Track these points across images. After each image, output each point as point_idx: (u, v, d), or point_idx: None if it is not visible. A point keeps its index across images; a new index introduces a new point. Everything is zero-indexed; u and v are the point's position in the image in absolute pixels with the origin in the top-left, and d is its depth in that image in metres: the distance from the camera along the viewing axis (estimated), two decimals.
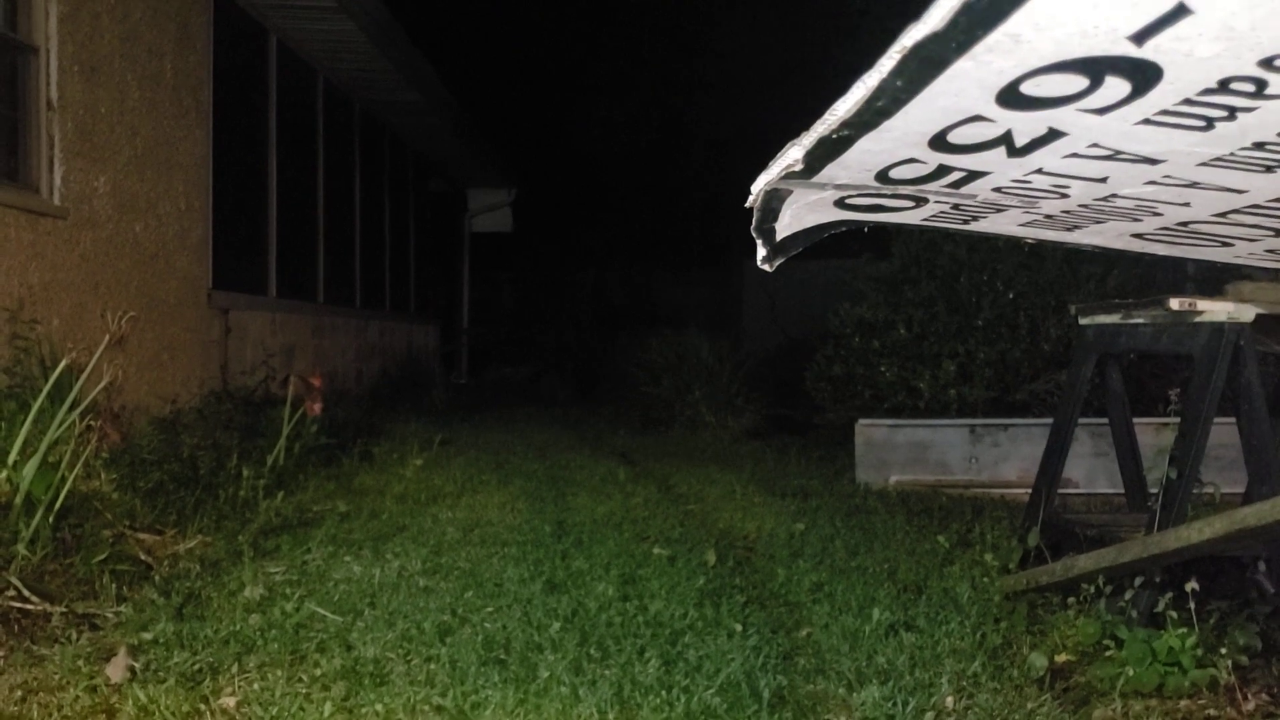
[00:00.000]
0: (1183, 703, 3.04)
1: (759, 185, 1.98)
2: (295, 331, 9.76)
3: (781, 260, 2.25)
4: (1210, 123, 1.65)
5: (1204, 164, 1.87)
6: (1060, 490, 4.90)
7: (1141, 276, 7.07)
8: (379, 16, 9.60)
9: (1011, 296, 7.71)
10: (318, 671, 3.06)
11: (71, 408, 4.20)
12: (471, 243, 17.98)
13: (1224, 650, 3.10)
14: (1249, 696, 3.04)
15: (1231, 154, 1.80)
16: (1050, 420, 4.94)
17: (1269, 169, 1.85)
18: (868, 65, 1.53)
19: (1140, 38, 1.37)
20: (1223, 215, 2.25)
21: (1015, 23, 1.33)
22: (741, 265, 15.79)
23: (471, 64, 19.34)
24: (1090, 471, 6.48)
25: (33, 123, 5.84)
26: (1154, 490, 4.01)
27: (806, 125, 1.80)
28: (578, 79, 21.46)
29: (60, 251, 5.88)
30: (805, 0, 16.50)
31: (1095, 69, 1.48)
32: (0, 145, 5.70)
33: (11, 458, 3.97)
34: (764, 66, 17.96)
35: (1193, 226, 2.41)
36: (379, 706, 2.83)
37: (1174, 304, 3.73)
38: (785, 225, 2.17)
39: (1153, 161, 1.88)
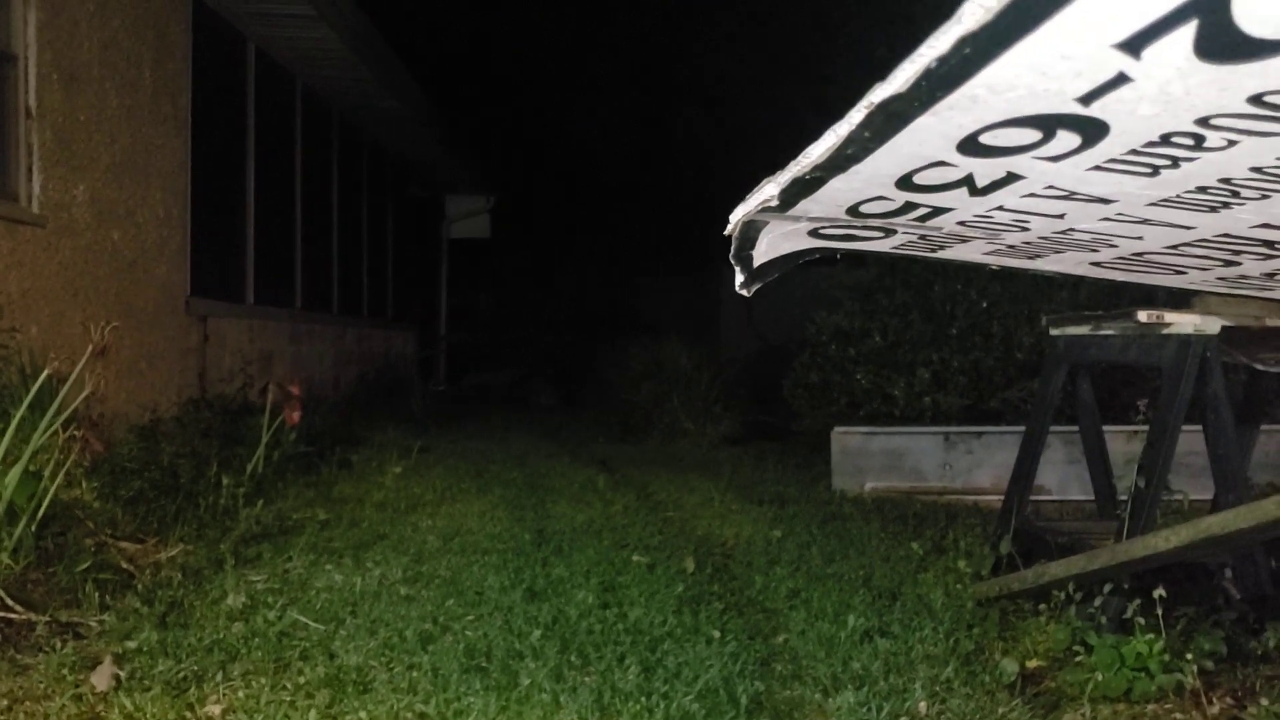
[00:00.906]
0: (1150, 707, 3.11)
1: (737, 216, 2.06)
2: (273, 338, 9.76)
3: (759, 285, 2.33)
4: (1156, 170, 1.76)
5: (1153, 204, 1.97)
6: (1033, 497, 4.98)
7: (1114, 288, 7.16)
8: (358, 25, 9.62)
9: (985, 305, 7.80)
10: (301, 680, 3.09)
11: (54, 417, 4.21)
12: (450, 249, 17.98)
13: (1190, 656, 3.17)
14: (1214, 700, 3.11)
15: (1178, 196, 1.91)
16: (1023, 428, 5.02)
17: (1213, 209, 1.96)
18: (846, 77, 1.63)
19: (1087, 100, 1.47)
20: (1174, 248, 2.36)
21: (972, 86, 1.43)
22: (720, 273, 15.78)
23: (451, 71, 19.35)
24: (1063, 479, 6.57)
25: (11, 131, 5.84)
26: (1124, 498, 4.09)
27: (786, 134, 1.88)
28: (558, 87, 21.51)
29: (39, 260, 5.88)
30: (786, 10, 16.62)
31: (1047, 124, 1.58)
32: None
33: None
34: (745, 75, 18.06)
35: (1147, 257, 2.50)
36: (363, 714, 2.87)
37: (1142, 316, 3.82)
38: (762, 252, 2.26)
39: (1105, 201, 1.98)
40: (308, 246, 11.02)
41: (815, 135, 1.73)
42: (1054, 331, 4.56)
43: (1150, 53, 1.29)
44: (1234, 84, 1.36)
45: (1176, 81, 1.37)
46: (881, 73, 1.47)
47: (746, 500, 6.54)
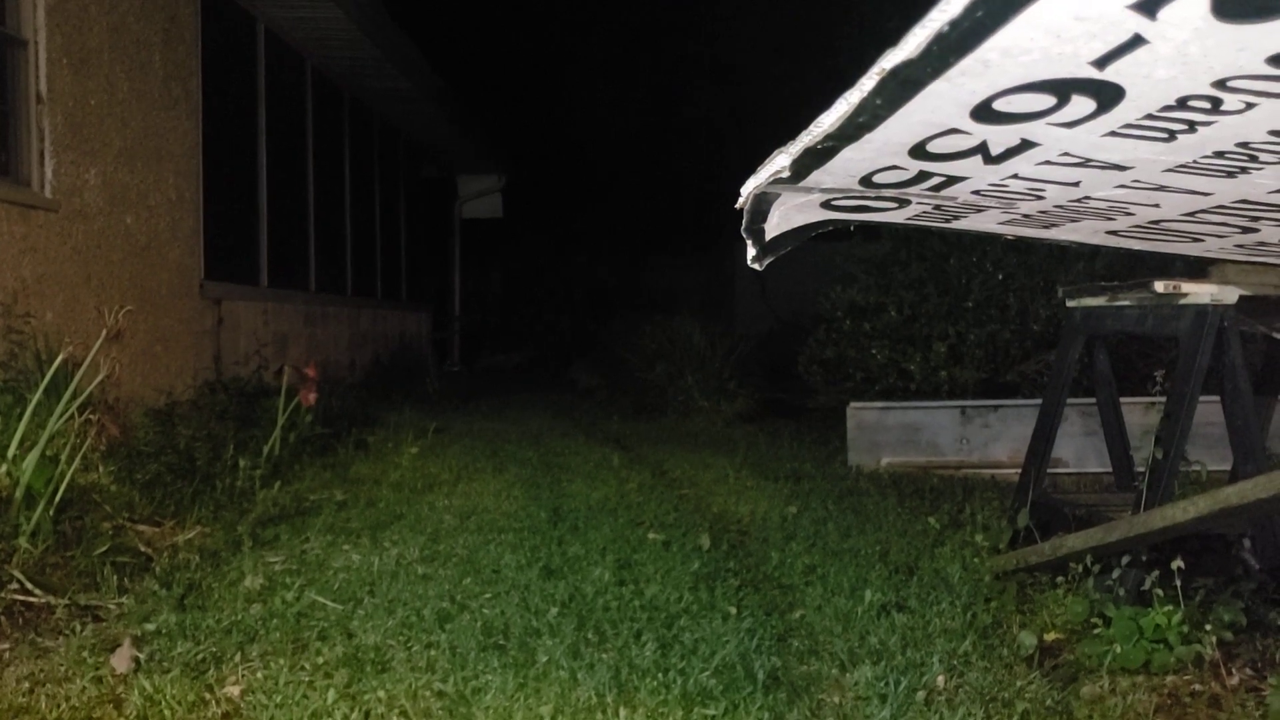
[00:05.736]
0: (1169, 678, 3.10)
1: (748, 189, 2.04)
2: (287, 321, 9.78)
3: (771, 259, 2.31)
4: (1173, 135, 1.73)
5: (1170, 170, 1.94)
6: (1050, 470, 4.97)
7: (1130, 258, 7.11)
8: (366, 3, 9.59)
9: (1001, 278, 7.75)
10: (320, 659, 3.11)
11: (70, 401, 4.23)
12: (463, 229, 17.96)
13: (1209, 627, 3.16)
14: (1233, 671, 3.10)
15: (1195, 161, 1.88)
16: (1039, 401, 5.00)
17: (1230, 174, 1.93)
18: (858, 49, 1.60)
19: (1101, 63, 1.45)
20: (1191, 215, 2.33)
21: (985, 50, 1.40)
22: (733, 249, 15.79)
23: (462, 49, 19.29)
24: (1080, 451, 6.55)
25: (22, 116, 5.84)
26: (1141, 469, 4.07)
27: (798, 110, 1.85)
28: (569, 64, 21.43)
29: (52, 244, 5.89)
30: None
31: (1062, 89, 1.56)
32: None
33: (11, 451, 4.00)
34: (756, 50, 17.96)
35: (1163, 224, 2.47)
36: (381, 693, 2.88)
37: (1159, 286, 3.78)
38: (774, 225, 2.23)
39: (1121, 168, 1.95)
40: (321, 229, 11.02)
41: (827, 108, 1.71)
42: (1070, 303, 4.52)
43: (1166, 13, 1.26)
44: (1252, 44, 1.33)
45: (1193, 43, 1.34)
46: (894, 43, 1.45)
47: (762, 477, 6.53)
